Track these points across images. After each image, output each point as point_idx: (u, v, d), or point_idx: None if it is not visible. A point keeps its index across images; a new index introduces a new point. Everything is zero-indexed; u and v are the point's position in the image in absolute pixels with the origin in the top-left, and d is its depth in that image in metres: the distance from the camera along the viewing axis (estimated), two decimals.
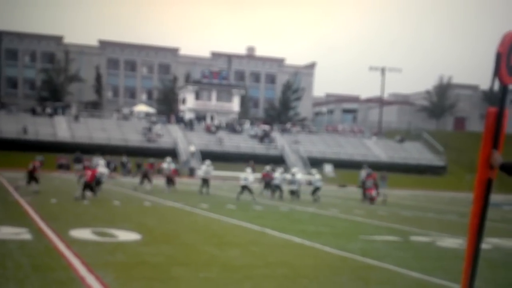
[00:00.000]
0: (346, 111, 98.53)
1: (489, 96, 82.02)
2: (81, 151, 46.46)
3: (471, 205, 4.63)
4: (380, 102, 78.59)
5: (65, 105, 65.94)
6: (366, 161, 59.61)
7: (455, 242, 13.04)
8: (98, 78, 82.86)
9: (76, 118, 59.68)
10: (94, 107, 75.51)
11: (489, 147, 4.45)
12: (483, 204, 4.58)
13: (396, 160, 62.35)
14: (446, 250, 12.09)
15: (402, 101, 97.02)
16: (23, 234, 10.99)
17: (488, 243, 12.45)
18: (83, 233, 11.46)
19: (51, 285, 6.87)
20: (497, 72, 4.29)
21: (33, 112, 60.30)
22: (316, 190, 26.47)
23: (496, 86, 4.37)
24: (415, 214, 22.69)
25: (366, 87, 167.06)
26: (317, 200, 25.70)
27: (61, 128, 56.57)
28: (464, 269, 4.64)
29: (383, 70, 75.03)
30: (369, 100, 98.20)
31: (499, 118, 4.41)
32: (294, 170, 29.00)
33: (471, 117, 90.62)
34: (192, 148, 55.79)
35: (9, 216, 13.86)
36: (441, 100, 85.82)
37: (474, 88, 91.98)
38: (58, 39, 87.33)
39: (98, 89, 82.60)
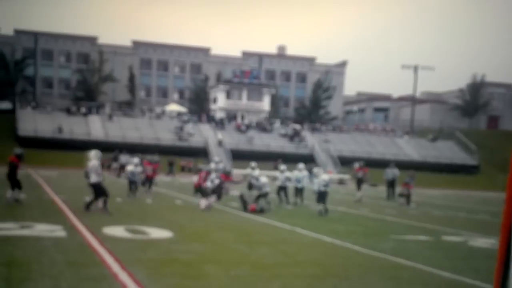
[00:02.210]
0: (377, 109, 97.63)
1: None
2: (119, 150, 46.90)
3: (503, 205, 4.59)
4: (412, 100, 77.68)
5: (99, 105, 66.93)
6: (397, 160, 59.19)
7: (487, 242, 12.86)
8: (131, 78, 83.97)
9: (110, 117, 60.55)
10: (127, 106, 76.46)
11: None
12: None
13: (428, 159, 61.59)
14: (478, 250, 11.94)
15: (434, 99, 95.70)
16: (58, 231, 11.24)
17: None
18: (116, 231, 11.66)
19: (85, 281, 7.02)
20: None
21: (68, 111, 61.35)
22: (299, 191, 22.07)
23: None
24: (447, 213, 22.42)
25: (398, 86, 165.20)
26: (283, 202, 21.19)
27: (95, 127, 57.46)
28: (496, 270, 4.60)
29: (415, 69, 74.14)
30: (401, 99, 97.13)
31: None
32: (282, 167, 22.45)
33: (504, 116, 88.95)
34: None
35: (44, 213, 14.17)
36: (474, 99, 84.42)
37: (507, 86, 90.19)
38: (92, 40, 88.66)
39: (131, 88, 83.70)
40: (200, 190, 18.72)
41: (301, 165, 22.70)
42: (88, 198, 15.16)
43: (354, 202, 24.82)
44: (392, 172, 29.97)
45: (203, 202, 17.72)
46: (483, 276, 8.39)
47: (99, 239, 10.32)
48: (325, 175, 19.59)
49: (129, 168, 21.86)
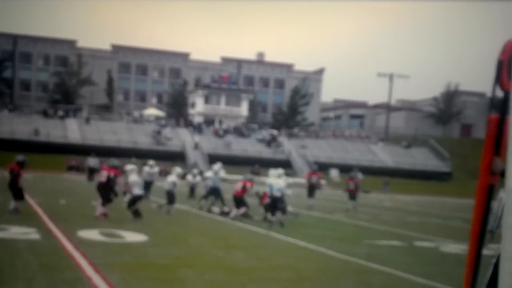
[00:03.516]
0: (353, 116, 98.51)
1: (491, 103, 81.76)
2: (88, 153, 46.49)
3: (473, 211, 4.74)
4: (387, 108, 78.56)
5: (76, 108, 66.57)
6: (372, 166, 59.75)
7: (459, 248, 13.09)
8: (110, 81, 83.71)
9: (87, 120, 60.17)
10: (105, 110, 76.03)
11: (490, 153, 4.53)
12: (485, 210, 4.67)
13: (402, 165, 62.31)
14: (450, 255, 12.15)
15: (409, 107, 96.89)
16: (32, 234, 11.17)
17: (491, 249, 12.49)
18: (91, 234, 11.63)
19: (58, 284, 7.01)
20: (498, 80, 4.40)
21: (45, 114, 60.78)
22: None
23: (499, 93, 4.49)
24: (420, 219, 22.73)
25: (374, 93, 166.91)
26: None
27: (72, 131, 57.06)
28: (465, 275, 4.73)
29: (391, 77, 75.05)
30: (376, 106, 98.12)
31: (500, 125, 4.51)
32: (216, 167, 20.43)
33: (477, 124, 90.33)
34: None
35: (19, 216, 14.04)
36: (448, 107, 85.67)
37: (480, 95, 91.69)
38: (71, 43, 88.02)
39: (110, 92, 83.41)
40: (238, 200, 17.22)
41: (279, 171, 18.32)
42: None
43: (306, 209, 22.36)
44: (355, 176, 29.65)
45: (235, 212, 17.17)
46: (454, 282, 8.55)
47: (73, 242, 10.28)
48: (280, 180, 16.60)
49: (146, 169, 22.23)
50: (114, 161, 15.81)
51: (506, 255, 3.89)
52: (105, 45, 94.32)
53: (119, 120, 64.78)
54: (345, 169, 57.12)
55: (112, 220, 14.55)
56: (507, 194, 3.95)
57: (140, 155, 50.57)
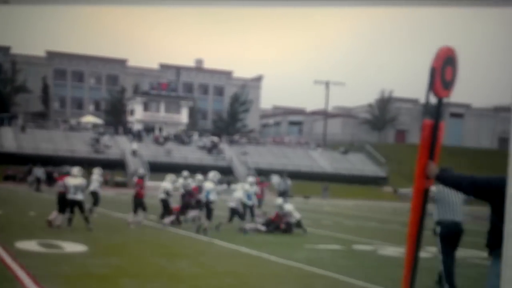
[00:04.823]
0: (292, 123, 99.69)
1: (425, 109, 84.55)
2: (33, 163, 44.60)
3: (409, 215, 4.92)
4: (324, 114, 79.97)
5: (11, 116, 64.37)
6: (311, 172, 60.63)
7: (396, 251, 13.48)
8: (45, 88, 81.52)
9: (23, 129, 58.34)
10: (41, 118, 73.93)
11: (425, 158, 4.72)
12: (421, 214, 4.86)
13: (341, 171, 63.50)
14: (388, 258, 12.50)
15: (345, 114, 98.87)
16: None
17: (428, 251, 12.93)
18: (29, 245, 11.34)
19: None
20: (432, 86, 4.59)
21: None
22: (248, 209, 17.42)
23: (432, 99, 4.68)
24: (358, 223, 23.25)
25: (312, 100, 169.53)
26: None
27: (7, 139, 55.25)
28: (404, 277, 4.90)
29: (327, 84, 76.46)
30: (314, 113, 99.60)
31: (434, 130, 4.71)
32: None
33: (411, 130, 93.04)
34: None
35: None
36: (383, 113, 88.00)
37: (414, 101, 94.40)
38: (5, 50, 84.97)
39: (45, 100, 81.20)
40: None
41: (251, 178, 18.82)
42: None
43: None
44: (284, 183, 29.87)
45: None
46: (393, 284, 8.82)
47: (11, 253, 9.98)
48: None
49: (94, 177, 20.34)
50: (68, 169, 15.98)
51: (509, 262, 3.95)
52: (40, 52, 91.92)
53: (56, 128, 63.13)
54: (287, 175, 57.85)
55: (51, 230, 14.20)
56: (507, 202, 3.92)
57: (79, 163, 49.43)
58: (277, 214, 17.14)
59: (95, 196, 19.17)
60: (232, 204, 16.42)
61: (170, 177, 18.10)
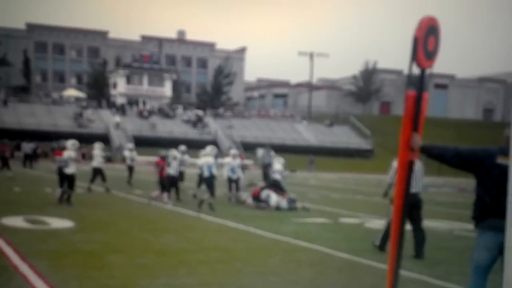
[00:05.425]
0: (277, 96, 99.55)
1: (408, 81, 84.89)
2: (22, 138, 43.64)
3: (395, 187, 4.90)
4: (309, 87, 79.80)
5: None
6: (297, 145, 60.78)
7: (382, 224, 13.58)
8: (26, 62, 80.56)
9: (5, 103, 57.64)
10: (23, 91, 72.98)
11: (409, 130, 4.66)
12: (406, 185, 4.84)
13: (326, 144, 63.72)
14: (374, 231, 12.57)
15: (330, 86, 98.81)
16: None
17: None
18: (15, 221, 11.28)
19: None
20: (414, 57, 4.51)
21: None
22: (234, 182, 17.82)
23: (415, 70, 4.61)
24: (344, 196, 23.40)
25: (296, 72, 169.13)
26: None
27: None
28: (390, 250, 4.90)
29: (311, 55, 75.99)
30: (298, 85, 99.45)
31: (418, 102, 4.65)
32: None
33: (396, 102, 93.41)
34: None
35: None
36: (367, 85, 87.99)
37: (398, 73, 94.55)
38: None
39: (26, 73, 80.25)
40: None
41: (234, 151, 19.08)
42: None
43: None
44: (268, 155, 29.38)
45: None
46: (379, 257, 8.89)
47: None
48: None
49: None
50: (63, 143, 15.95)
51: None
52: (20, 24, 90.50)
53: (38, 102, 62.43)
54: (273, 148, 57.87)
55: (36, 206, 14.11)
56: (508, 204, 3.91)
57: (62, 138, 49.01)
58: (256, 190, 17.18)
59: (100, 172, 19.05)
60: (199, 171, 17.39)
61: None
